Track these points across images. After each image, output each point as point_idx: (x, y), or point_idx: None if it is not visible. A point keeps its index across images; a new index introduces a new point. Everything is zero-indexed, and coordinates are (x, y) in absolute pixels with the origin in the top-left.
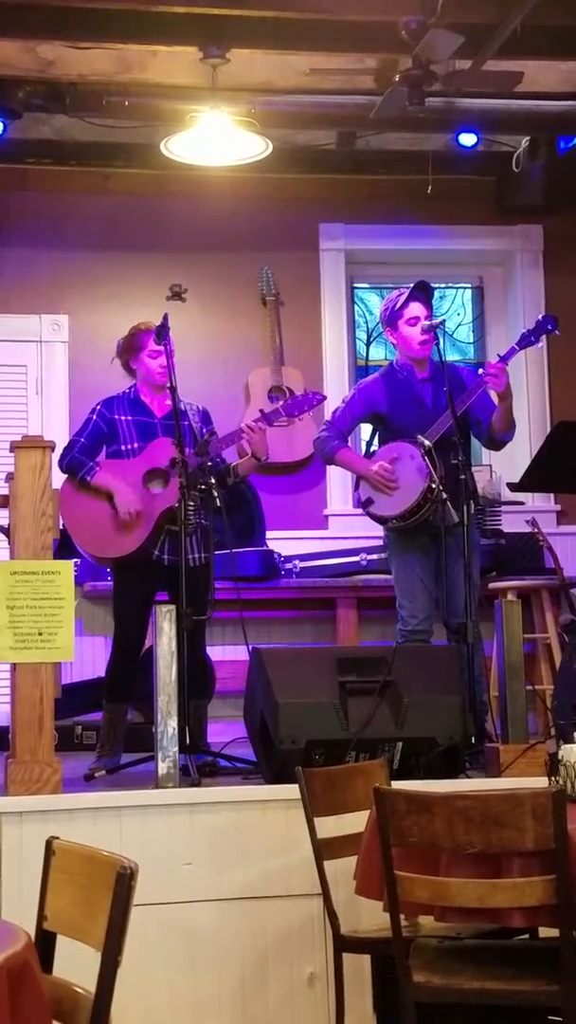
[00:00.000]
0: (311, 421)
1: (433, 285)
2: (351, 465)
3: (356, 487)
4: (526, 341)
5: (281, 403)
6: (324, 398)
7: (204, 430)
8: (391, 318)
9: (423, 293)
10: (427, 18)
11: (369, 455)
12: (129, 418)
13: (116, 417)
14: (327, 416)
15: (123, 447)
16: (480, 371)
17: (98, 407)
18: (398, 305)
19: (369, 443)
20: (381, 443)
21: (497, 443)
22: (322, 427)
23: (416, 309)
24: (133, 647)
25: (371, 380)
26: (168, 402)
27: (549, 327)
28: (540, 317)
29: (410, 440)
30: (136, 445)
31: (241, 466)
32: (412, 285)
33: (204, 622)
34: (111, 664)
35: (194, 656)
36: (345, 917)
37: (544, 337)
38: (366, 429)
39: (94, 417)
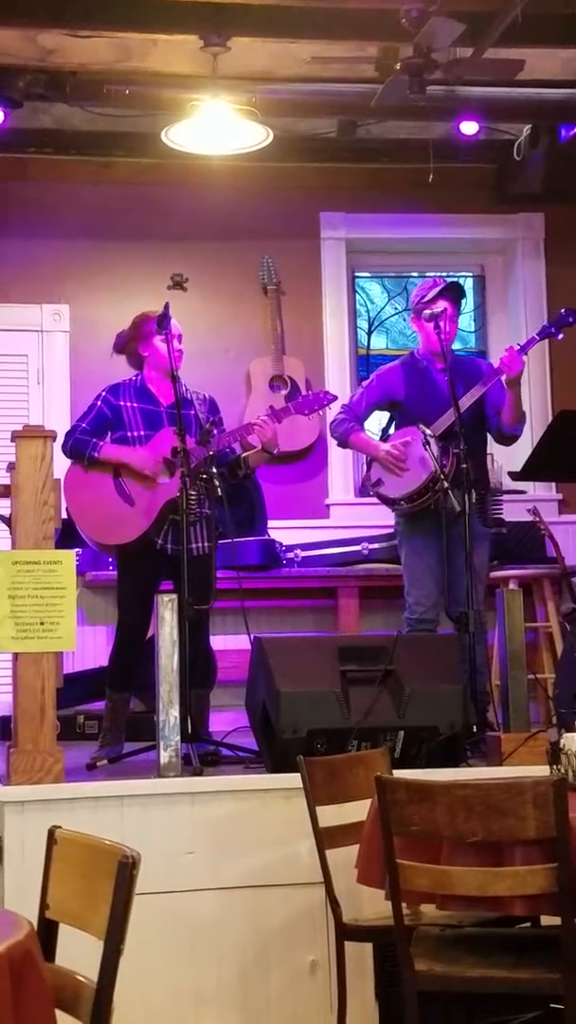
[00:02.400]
0: (312, 418)
1: (434, 274)
2: (364, 447)
3: (368, 468)
4: (546, 332)
5: (292, 402)
6: (335, 398)
7: (211, 419)
8: (419, 307)
9: (454, 293)
10: (428, 6)
11: (384, 441)
12: (135, 405)
13: (122, 404)
14: (343, 401)
15: (129, 434)
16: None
17: (103, 393)
18: (428, 298)
19: (385, 430)
20: (397, 431)
21: (506, 437)
22: (339, 411)
23: (442, 305)
24: (136, 636)
25: (390, 367)
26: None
27: (571, 320)
28: (562, 311)
29: (419, 427)
30: (142, 433)
31: (251, 458)
32: (446, 283)
33: (208, 612)
34: (114, 653)
35: (198, 646)
36: (347, 905)
37: (563, 329)
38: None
39: (98, 403)
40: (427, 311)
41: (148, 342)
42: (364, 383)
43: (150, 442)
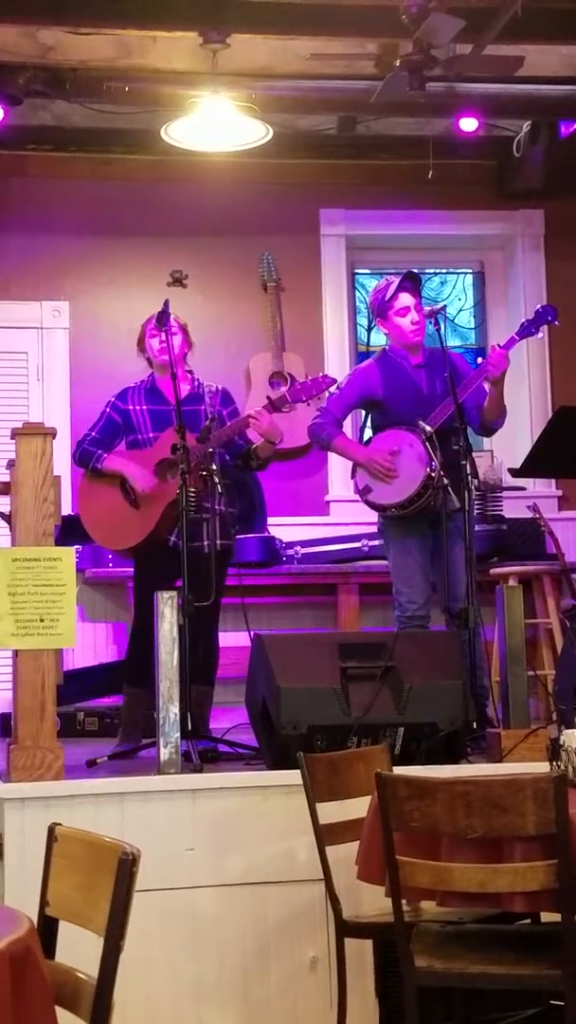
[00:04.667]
0: (314, 407)
1: (434, 270)
2: (348, 452)
3: (353, 475)
4: (526, 331)
5: (287, 388)
6: (333, 381)
7: (223, 412)
8: (381, 309)
9: (412, 283)
10: (428, 2)
11: (364, 442)
12: (144, 408)
13: (131, 408)
14: (322, 402)
15: (140, 436)
16: (480, 360)
17: (112, 399)
18: (387, 296)
19: (362, 428)
20: (375, 429)
21: (488, 429)
22: (316, 413)
23: (406, 299)
24: (151, 633)
25: (366, 366)
26: (183, 386)
27: (549, 318)
28: (540, 307)
29: (409, 427)
30: (152, 435)
31: (261, 449)
32: (401, 276)
33: (218, 608)
34: (129, 650)
35: (204, 641)
36: (347, 902)
37: (544, 328)
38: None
39: (107, 410)
40: (415, 313)
41: (145, 343)
42: (340, 383)
43: (156, 443)
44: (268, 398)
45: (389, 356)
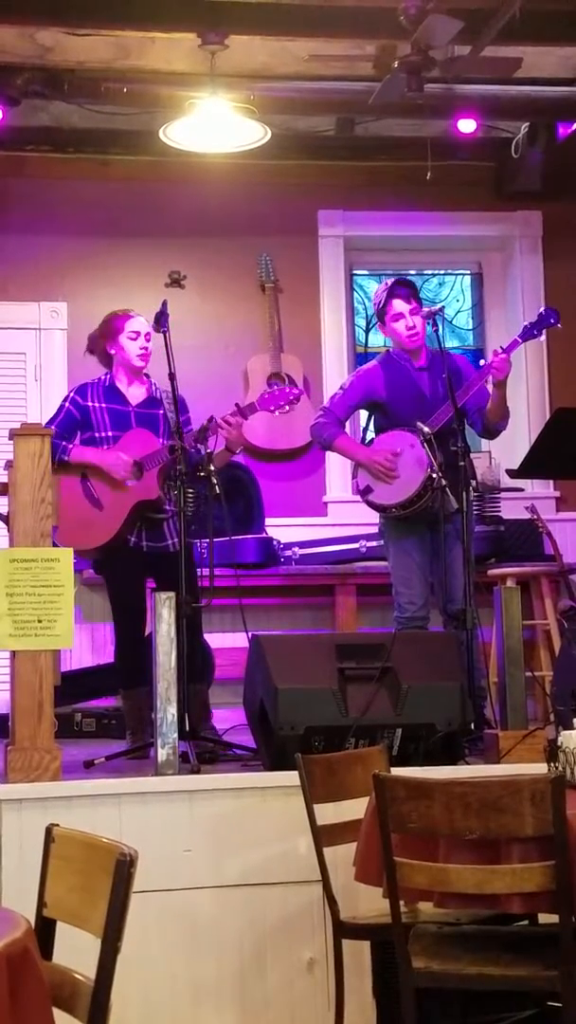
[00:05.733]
0: (312, 408)
1: (432, 271)
2: (349, 453)
3: (354, 475)
4: (528, 334)
5: (258, 399)
6: (301, 392)
7: (180, 418)
8: (379, 314)
9: (404, 288)
10: (426, 3)
11: (366, 442)
12: (103, 406)
13: (90, 404)
14: (325, 402)
15: (97, 435)
16: (482, 362)
17: (71, 394)
18: (382, 303)
19: (365, 429)
20: (377, 430)
21: (492, 432)
22: (318, 413)
23: (398, 306)
24: (136, 632)
25: (369, 367)
26: (143, 389)
27: (551, 321)
28: (542, 310)
29: (410, 428)
30: (111, 434)
31: (218, 457)
32: (391, 282)
33: (199, 608)
34: (118, 652)
35: (192, 642)
36: (344, 903)
37: (545, 330)
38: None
39: (67, 405)
40: (412, 317)
41: (115, 340)
42: (344, 384)
43: (118, 443)
44: (237, 405)
45: (392, 358)
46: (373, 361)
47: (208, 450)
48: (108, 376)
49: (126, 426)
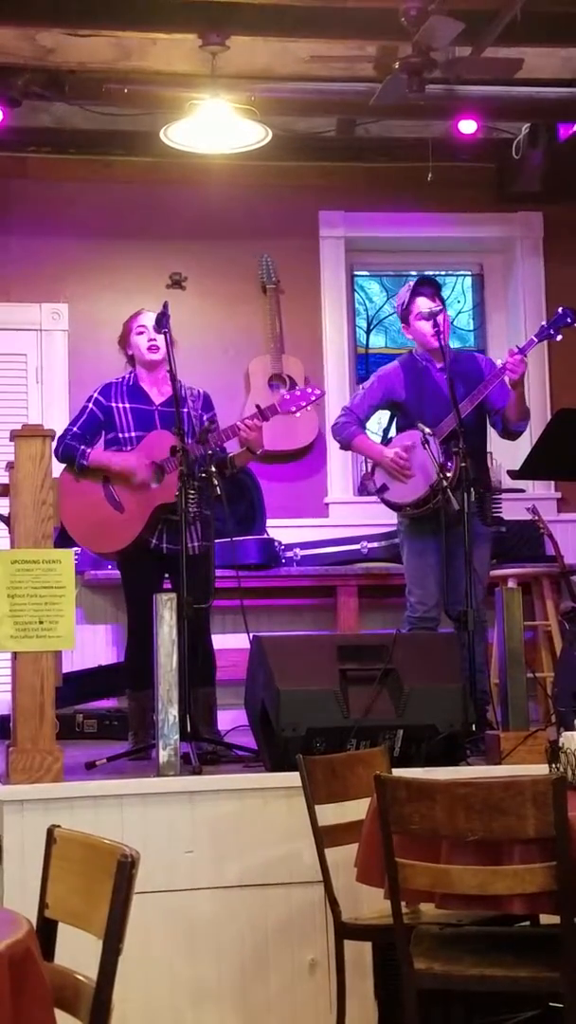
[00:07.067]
0: (312, 409)
1: (433, 273)
2: (367, 451)
3: (372, 473)
4: (544, 333)
5: (278, 400)
6: (323, 393)
7: (204, 416)
8: (403, 315)
9: (427, 287)
10: (427, 4)
11: (386, 442)
12: (126, 406)
13: (113, 405)
14: (346, 402)
15: (121, 435)
16: (499, 362)
17: (95, 394)
18: (406, 302)
19: (386, 430)
20: (399, 431)
21: (512, 433)
22: (340, 413)
23: (423, 304)
24: (148, 635)
25: (390, 368)
26: (166, 388)
27: (568, 320)
28: (560, 310)
29: (418, 427)
30: (134, 434)
31: (238, 458)
32: (414, 281)
33: (208, 610)
34: (128, 653)
35: (198, 644)
36: (346, 904)
37: (562, 330)
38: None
39: (90, 405)
40: (426, 310)
41: (129, 340)
42: (364, 385)
43: (141, 444)
44: (258, 407)
45: (414, 359)
46: (394, 362)
47: (228, 453)
48: (132, 375)
49: (150, 426)
